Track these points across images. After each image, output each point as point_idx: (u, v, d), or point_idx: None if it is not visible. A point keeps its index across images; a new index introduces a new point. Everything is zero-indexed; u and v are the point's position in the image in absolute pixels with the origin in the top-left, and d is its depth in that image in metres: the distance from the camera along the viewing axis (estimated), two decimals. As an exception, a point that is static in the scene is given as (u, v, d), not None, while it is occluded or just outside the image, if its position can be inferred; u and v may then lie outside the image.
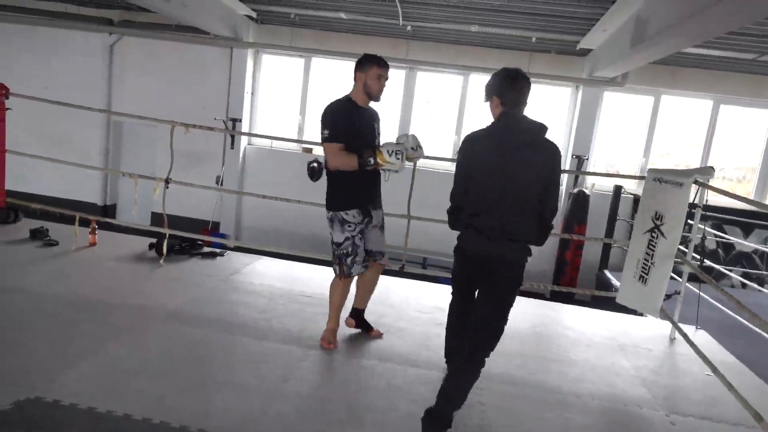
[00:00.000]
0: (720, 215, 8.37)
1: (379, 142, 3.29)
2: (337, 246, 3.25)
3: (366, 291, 3.55)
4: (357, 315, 3.60)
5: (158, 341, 3.23)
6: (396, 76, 9.75)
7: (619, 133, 9.55)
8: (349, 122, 3.13)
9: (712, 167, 3.83)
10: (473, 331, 2.56)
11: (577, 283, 8.50)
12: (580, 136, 9.06)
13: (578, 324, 4.45)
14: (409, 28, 8.56)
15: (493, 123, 2.65)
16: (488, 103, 2.69)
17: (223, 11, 8.62)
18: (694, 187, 3.65)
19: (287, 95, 10.27)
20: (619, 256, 8.86)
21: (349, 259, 3.23)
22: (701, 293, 4.84)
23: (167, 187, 4.72)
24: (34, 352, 2.90)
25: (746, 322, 4.94)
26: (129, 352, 3.06)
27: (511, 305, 2.59)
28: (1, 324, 3.21)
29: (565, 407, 2.99)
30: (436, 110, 9.80)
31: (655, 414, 3.05)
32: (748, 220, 8.31)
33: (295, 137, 10.08)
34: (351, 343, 3.51)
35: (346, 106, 3.20)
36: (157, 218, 8.28)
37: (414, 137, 3.33)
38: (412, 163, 3.38)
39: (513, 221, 2.50)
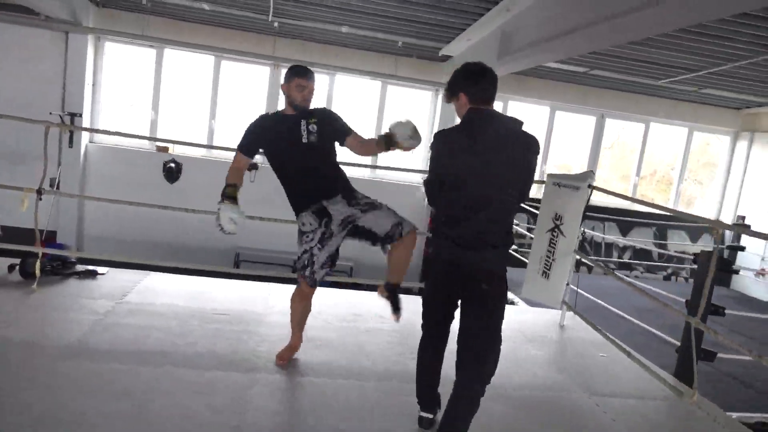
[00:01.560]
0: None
1: (314, 136, 3.08)
2: (298, 258, 3.11)
3: (395, 266, 3.09)
4: (390, 289, 3.13)
5: (68, 383, 2.75)
6: (261, 73, 9.41)
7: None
8: (255, 133, 3.15)
9: (593, 171, 4.34)
10: (470, 349, 2.40)
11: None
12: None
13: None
14: (276, 24, 8.30)
15: (462, 121, 2.49)
16: (453, 102, 2.57)
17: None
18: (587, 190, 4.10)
19: (138, 89, 9.34)
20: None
21: (307, 271, 3.04)
22: (575, 286, 5.45)
23: (40, 199, 4.02)
24: None
25: (609, 306, 5.70)
26: (41, 398, 2.57)
27: (503, 319, 2.49)
28: None
29: (496, 400, 3.06)
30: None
31: (580, 397, 3.38)
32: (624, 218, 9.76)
33: (148, 134, 9.22)
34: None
35: (266, 118, 3.22)
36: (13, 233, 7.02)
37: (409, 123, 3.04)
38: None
39: (493, 228, 2.42)
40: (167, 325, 3.60)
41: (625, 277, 6.09)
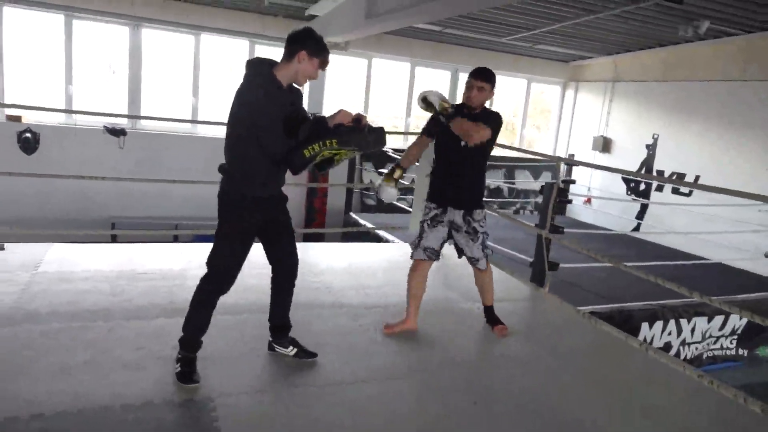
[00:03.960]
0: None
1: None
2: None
3: (482, 292, 3.91)
4: (487, 309, 3.94)
5: (20, 346, 2.97)
6: (120, 34, 9.01)
7: (343, 91, 10.85)
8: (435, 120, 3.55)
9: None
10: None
11: (326, 227, 9.64)
12: (312, 97, 9.98)
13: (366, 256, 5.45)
14: (135, -19, 8.03)
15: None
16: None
17: None
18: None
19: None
20: (358, 199, 10.33)
21: (415, 242, 3.65)
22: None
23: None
24: None
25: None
26: (45, 356, 2.79)
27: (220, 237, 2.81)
28: None
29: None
30: (169, 72, 9.46)
31: (465, 305, 4.24)
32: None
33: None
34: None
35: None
36: None
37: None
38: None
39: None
40: (99, 288, 3.82)
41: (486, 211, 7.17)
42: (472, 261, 3.66)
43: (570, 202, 10.85)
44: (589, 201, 11.57)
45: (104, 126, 8.75)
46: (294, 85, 2.81)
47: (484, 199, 3.66)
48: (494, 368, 3.32)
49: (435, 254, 3.62)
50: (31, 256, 4.34)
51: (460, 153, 3.44)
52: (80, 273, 4.09)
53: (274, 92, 2.67)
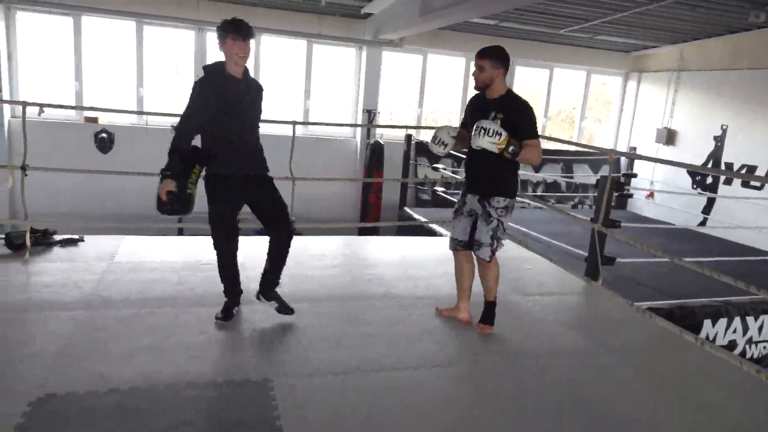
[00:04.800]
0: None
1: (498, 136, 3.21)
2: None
3: (484, 287, 3.68)
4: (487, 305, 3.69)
5: (95, 330, 3.25)
6: (186, 38, 9.46)
7: (398, 87, 10.96)
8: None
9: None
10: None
11: (381, 221, 9.78)
12: (368, 92, 10.14)
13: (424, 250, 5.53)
14: (198, -13, 8.41)
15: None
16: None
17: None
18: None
19: (58, 59, 9.15)
20: (413, 194, 10.41)
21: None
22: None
23: (26, 175, 4.28)
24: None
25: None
26: (75, 343, 3.06)
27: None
28: None
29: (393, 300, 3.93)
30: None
31: (516, 298, 4.25)
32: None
33: (74, 104, 9.10)
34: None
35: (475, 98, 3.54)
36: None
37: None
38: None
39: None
40: (166, 277, 4.09)
41: (542, 206, 7.09)
42: (476, 246, 3.47)
43: (631, 196, 10.57)
44: (651, 195, 11.18)
45: (171, 125, 9.16)
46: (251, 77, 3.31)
47: (512, 188, 3.47)
48: (544, 361, 3.32)
49: (461, 244, 3.58)
50: (107, 248, 4.68)
51: None
52: (149, 264, 4.38)
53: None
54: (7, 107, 8.78)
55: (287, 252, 3.47)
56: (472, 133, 3.22)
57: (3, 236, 4.51)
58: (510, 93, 3.36)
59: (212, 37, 9.53)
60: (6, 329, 3.15)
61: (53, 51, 9.16)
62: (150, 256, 4.61)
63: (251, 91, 3.27)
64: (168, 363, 2.89)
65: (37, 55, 9.11)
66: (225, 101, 3.12)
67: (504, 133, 3.14)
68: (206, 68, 3.23)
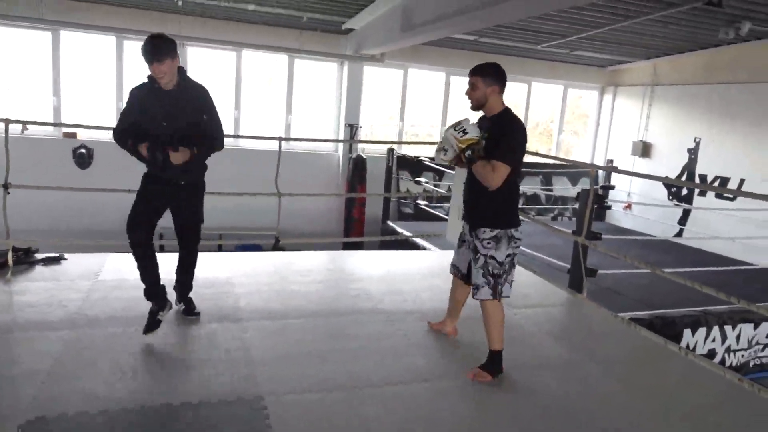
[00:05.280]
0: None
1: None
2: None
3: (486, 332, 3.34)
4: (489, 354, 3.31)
5: (82, 348, 3.21)
6: (166, 53, 9.42)
7: (379, 101, 11.04)
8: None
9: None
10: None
11: (365, 235, 9.81)
12: (350, 106, 10.21)
13: (407, 263, 5.56)
14: (180, 2, 8.40)
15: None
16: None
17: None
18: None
19: (36, 74, 9.03)
20: (395, 207, 10.46)
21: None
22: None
23: (8, 193, 4.22)
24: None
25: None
26: (63, 362, 3.02)
27: None
28: None
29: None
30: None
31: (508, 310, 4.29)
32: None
33: (53, 120, 8.99)
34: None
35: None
36: None
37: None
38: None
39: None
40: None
41: (523, 218, 7.18)
42: (473, 290, 3.19)
43: (609, 208, 10.74)
44: (629, 207, 11.41)
45: (152, 141, 9.15)
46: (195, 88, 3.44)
47: (501, 218, 3.14)
48: (530, 374, 3.37)
49: (458, 272, 3.42)
50: (90, 266, 4.63)
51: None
52: (134, 281, 4.27)
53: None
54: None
55: (191, 268, 3.70)
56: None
57: (-17, 256, 4.43)
58: (506, 112, 3.15)
59: (193, 52, 9.57)
60: (-10, 351, 3.10)
61: (30, 66, 9.04)
62: (134, 273, 4.49)
63: (180, 102, 3.33)
64: (158, 382, 2.88)
65: (14, 70, 8.98)
66: (146, 109, 3.31)
67: (471, 134, 2.96)
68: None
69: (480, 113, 3.25)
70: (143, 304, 3.84)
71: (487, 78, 3.11)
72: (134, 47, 9.28)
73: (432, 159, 8.75)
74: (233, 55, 9.73)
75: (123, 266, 4.72)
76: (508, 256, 3.14)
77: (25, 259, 4.56)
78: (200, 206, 3.60)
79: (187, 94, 3.36)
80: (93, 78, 9.32)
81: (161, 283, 3.48)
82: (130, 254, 5.06)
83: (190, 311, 3.74)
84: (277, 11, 8.69)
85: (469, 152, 2.98)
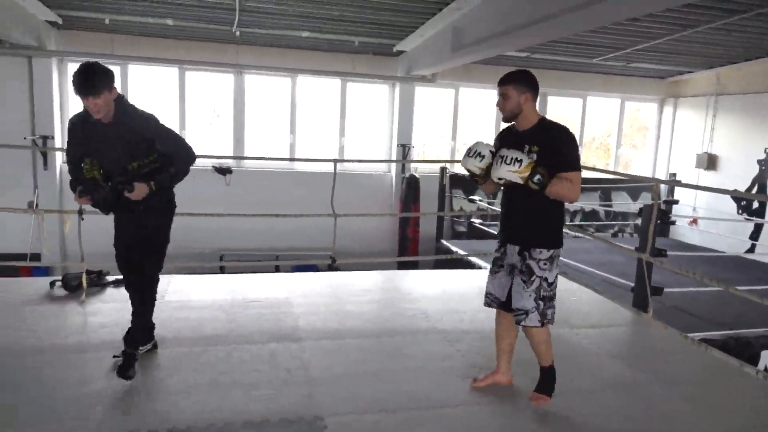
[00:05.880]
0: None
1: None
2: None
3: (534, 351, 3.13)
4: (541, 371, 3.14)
5: (153, 365, 3.33)
6: (225, 81, 9.83)
7: (431, 121, 11.09)
8: None
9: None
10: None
11: (419, 254, 9.79)
12: (402, 127, 10.29)
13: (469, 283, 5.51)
14: (238, 33, 8.75)
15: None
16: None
17: (21, 16, 7.77)
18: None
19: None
20: (449, 226, 10.41)
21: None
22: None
23: (82, 219, 4.48)
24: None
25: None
26: (140, 381, 3.15)
27: None
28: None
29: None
30: (269, 113, 10.16)
31: (564, 331, 4.18)
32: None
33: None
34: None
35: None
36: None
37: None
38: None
39: None
40: (215, 316, 4.18)
41: (583, 235, 7.00)
42: (520, 314, 2.92)
43: (673, 223, 10.33)
44: (695, 222, 10.91)
45: (212, 166, 9.52)
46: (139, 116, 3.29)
47: (556, 237, 2.99)
48: (593, 395, 3.25)
49: (497, 302, 3.08)
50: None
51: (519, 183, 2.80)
52: (198, 302, 4.49)
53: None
54: (59, 153, 9.20)
55: (140, 298, 3.40)
56: (492, 166, 2.84)
57: (60, 278, 4.69)
58: (544, 121, 2.98)
59: (250, 80, 9.92)
60: (66, 370, 3.26)
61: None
62: (198, 294, 4.72)
63: (119, 131, 3.13)
64: (223, 401, 2.95)
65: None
66: (85, 139, 3.17)
67: (526, 160, 2.72)
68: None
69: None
70: (208, 325, 4.00)
71: (519, 85, 2.93)
72: (195, 77, 9.74)
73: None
74: (288, 81, 10.02)
75: (186, 287, 4.92)
76: (556, 276, 3.01)
77: (97, 281, 4.80)
78: (155, 225, 3.42)
79: (127, 126, 3.14)
80: (155, 108, 9.79)
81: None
82: (191, 276, 5.35)
83: (123, 370, 3.11)
84: (330, 37, 8.91)
85: (537, 177, 2.73)
